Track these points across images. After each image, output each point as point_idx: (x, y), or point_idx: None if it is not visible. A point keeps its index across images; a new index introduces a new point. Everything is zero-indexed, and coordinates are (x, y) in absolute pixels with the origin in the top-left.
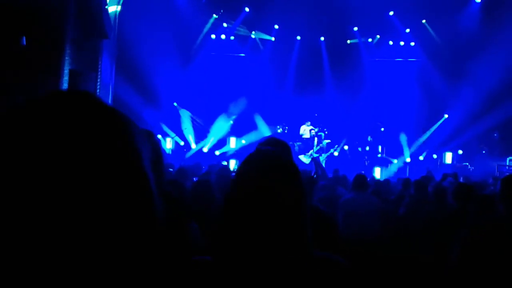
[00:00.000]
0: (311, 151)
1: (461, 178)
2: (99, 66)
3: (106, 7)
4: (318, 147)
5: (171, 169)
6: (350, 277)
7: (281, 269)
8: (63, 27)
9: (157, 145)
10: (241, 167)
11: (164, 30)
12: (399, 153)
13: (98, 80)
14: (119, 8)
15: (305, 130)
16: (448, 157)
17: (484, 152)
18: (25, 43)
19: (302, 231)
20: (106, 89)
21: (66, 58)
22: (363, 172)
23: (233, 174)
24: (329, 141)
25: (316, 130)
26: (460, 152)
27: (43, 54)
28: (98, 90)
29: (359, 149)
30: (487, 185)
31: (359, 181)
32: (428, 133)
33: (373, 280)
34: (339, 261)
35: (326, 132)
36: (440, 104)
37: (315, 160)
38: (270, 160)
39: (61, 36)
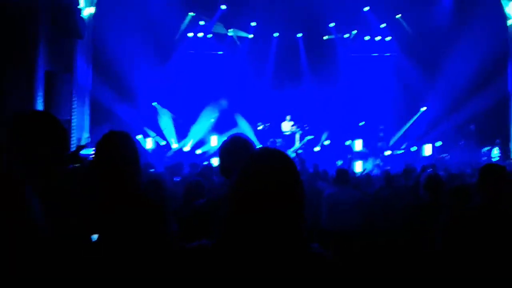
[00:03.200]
0: (294, 147)
1: (440, 170)
2: (75, 67)
3: (79, 7)
4: (302, 143)
5: (152, 170)
6: (340, 274)
7: (281, 258)
8: (37, 28)
9: (133, 145)
10: (249, 163)
11: (141, 29)
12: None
13: (74, 81)
14: (93, 8)
15: (286, 127)
16: (427, 149)
17: (461, 143)
18: None
19: (301, 225)
20: (83, 89)
21: (41, 59)
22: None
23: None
24: (312, 137)
25: (296, 126)
26: (439, 143)
27: (18, 56)
28: (74, 91)
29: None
30: (465, 176)
31: (342, 175)
32: (406, 126)
33: (357, 271)
34: (331, 258)
35: (307, 128)
36: (418, 97)
37: (299, 156)
38: (277, 158)
39: (35, 38)
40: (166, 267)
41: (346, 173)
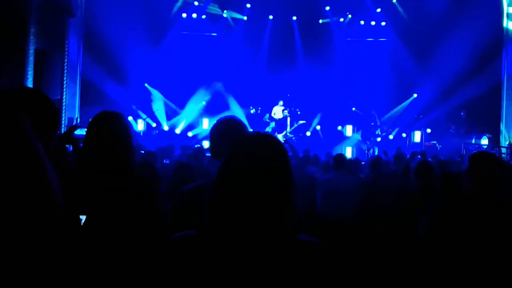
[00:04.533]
0: (284, 132)
1: (429, 157)
2: (66, 45)
3: None
4: (293, 128)
5: (142, 151)
6: (332, 262)
7: (267, 249)
8: (27, 5)
9: (127, 127)
10: (235, 148)
11: (134, 8)
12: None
13: (65, 59)
14: None
15: (277, 111)
16: (417, 136)
17: (451, 130)
18: None
19: (290, 214)
20: (73, 69)
21: (31, 37)
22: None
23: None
24: (304, 121)
25: (288, 110)
26: (429, 130)
27: (7, 34)
28: (65, 70)
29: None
30: (454, 163)
31: (339, 161)
32: (397, 112)
33: (353, 257)
34: (322, 247)
35: (299, 113)
36: (410, 83)
37: (287, 141)
38: (265, 143)
39: (25, 15)
40: (153, 253)
41: (343, 158)
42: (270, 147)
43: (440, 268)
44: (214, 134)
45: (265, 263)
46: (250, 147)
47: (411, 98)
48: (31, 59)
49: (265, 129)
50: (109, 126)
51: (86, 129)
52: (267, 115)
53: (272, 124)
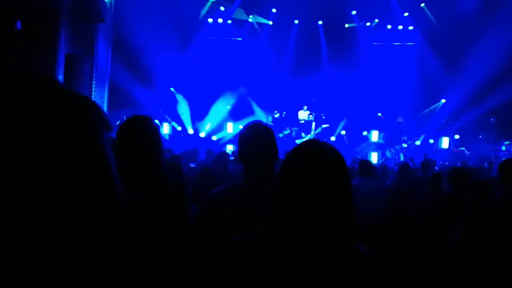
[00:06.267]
0: (308, 136)
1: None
2: (95, 50)
3: None
4: (317, 131)
5: (168, 154)
6: (388, 277)
7: (327, 256)
8: (58, 11)
9: (157, 131)
10: (295, 153)
11: (161, 13)
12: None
13: (94, 64)
14: None
15: (302, 115)
16: (445, 142)
17: (480, 137)
18: (20, 27)
19: (349, 223)
20: (102, 73)
21: (62, 42)
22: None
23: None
24: (327, 125)
25: (313, 115)
26: (457, 136)
27: (39, 39)
28: (94, 74)
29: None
30: (483, 170)
31: (365, 167)
32: (425, 118)
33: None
34: (380, 259)
35: (324, 117)
36: (438, 89)
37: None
38: (326, 151)
39: (56, 20)
40: (190, 252)
41: (369, 164)
42: (331, 155)
43: (475, 276)
44: (242, 138)
45: (324, 270)
46: (312, 154)
47: (440, 104)
48: (61, 63)
49: None
50: (140, 130)
51: (116, 133)
52: (270, 118)
53: (295, 129)
